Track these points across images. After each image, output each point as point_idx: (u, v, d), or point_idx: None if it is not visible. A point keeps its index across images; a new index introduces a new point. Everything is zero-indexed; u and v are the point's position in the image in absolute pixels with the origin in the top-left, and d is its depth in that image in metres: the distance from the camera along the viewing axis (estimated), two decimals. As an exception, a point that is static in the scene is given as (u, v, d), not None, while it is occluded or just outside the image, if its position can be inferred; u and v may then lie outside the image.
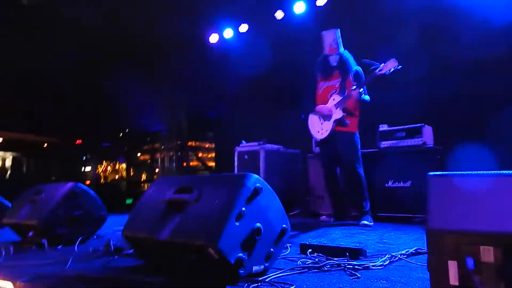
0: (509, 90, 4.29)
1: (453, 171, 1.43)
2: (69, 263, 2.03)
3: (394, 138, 4.23)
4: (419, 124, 4.08)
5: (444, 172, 1.41)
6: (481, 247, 1.18)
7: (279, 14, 5.97)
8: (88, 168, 11.13)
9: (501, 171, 1.34)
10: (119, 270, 1.96)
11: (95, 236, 3.04)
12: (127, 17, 5.96)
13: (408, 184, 4.00)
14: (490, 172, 1.35)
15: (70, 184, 2.87)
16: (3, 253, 2.33)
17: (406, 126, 4.18)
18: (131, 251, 2.25)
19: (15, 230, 3.01)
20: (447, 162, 4.08)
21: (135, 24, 5.97)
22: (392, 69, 3.40)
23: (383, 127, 4.36)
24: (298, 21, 5.81)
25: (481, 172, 1.36)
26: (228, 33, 6.61)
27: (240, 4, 6.15)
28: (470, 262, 1.17)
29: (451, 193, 1.33)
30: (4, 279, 1.74)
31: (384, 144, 4.29)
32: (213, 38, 6.81)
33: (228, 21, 6.52)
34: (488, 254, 1.17)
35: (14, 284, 1.69)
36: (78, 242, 2.59)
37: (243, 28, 6.43)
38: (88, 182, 10.44)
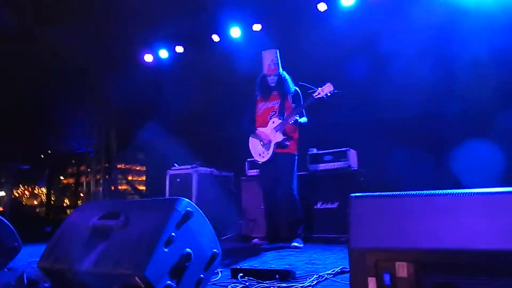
0: (434, 114, 4.75)
1: (377, 192, 1.54)
2: (-28, 301, 1.81)
3: (322, 161, 4.43)
4: (345, 148, 4.33)
5: (364, 194, 1.52)
6: (396, 263, 1.28)
7: (215, 38, 6.06)
8: (1, 193, 10.11)
9: (414, 192, 1.47)
10: (33, 306, 1.79)
11: (6, 270, 2.74)
12: (55, 32, 5.64)
13: (335, 205, 4.19)
14: (405, 192, 1.48)
15: (-22, 212, 2.59)
16: None
17: (333, 150, 4.40)
18: (48, 284, 2.06)
19: None
20: (371, 184, 4.35)
21: (62, 42, 5.67)
22: (329, 93, 3.54)
23: (312, 151, 4.55)
24: (235, 45, 5.94)
25: (398, 193, 1.49)
26: (163, 53, 6.53)
27: (175, 26, 6.15)
28: (387, 278, 1.25)
29: (371, 213, 1.43)
30: None
31: (313, 167, 4.47)
32: (148, 58, 6.66)
33: (163, 42, 6.46)
34: (402, 269, 1.26)
35: None
36: (-15, 276, 2.32)
37: (179, 49, 6.40)
38: (0, 208, 9.46)
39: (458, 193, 1.39)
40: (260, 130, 3.88)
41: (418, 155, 4.48)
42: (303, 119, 3.83)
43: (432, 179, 4.30)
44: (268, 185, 3.91)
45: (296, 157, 3.88)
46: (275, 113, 3.83)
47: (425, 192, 1.45)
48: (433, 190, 1.45)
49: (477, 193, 1.35)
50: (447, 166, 4.37)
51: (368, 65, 4.97)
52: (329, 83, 3.55)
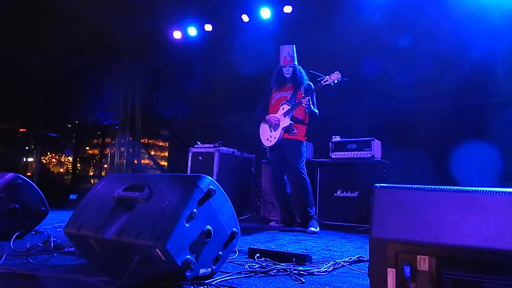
0: (462, 106, 4.63)
1: (398, 184, 1.51)
2: (2, 259, 1.90)
3: (345, 149, 4.39)
4: (369, 138, 4.27)
5: (389, 184, 1.49)
6: (418, 257, 1.26)
7: (245, 18, 5.99)
8: (30, 159, 10.48)
9: (441, 186, 1.44)
10: (58, 269, 1.87)
11: (34, 232, 2.87)
12: (85, 10, 5.71)
13: (355, 194, 4.16)
14: (430, 186, 1.45)
15: (10, 175, 2.69)
16: None
17: (357, 139, 4.34)
18: (73, 249, 2.15)
19: None
20: (393, 175, 4.30)
21: (92, 17, 5.73)
22: (336, 81, 3.68)
23: (336, 138, 4.50)
24: (264, 26, 5.87)
25: (423, 186, 1.46)
26: (192, 31, 6.50)
27: (205, 3, 6.11)
28: (407, 270, 1.24)
29: (394, 204, 1.41)
30: None
31: (336, 154, 4.43)
32: (177, 35, 6.65)
33: (193, 19, 6.43)
34: (423, 263, 1.25)
35: None
36: (14, 237, 2.43)
37: (208, 27, 6.36)
38: (29, 173, 9.83)
39: (485, 191, 1.35)
40: (270, 115, 3.98)
41: (443, 149, 4.38)
42: (314, 109, 3.89)
43: (457, 174, 4.20)
44: (276, 169, 4.01)
45: (304, 143, 3.95)
46: (287, 102, 3.93)
47: (451, 187, 1.42)
48: (457, 185, 1.42)
49: (505, 192, 1.31)
50: (472, 161, 4.26)
51: (396, 55, 4.85)
52: (337, 72, 3.69)
